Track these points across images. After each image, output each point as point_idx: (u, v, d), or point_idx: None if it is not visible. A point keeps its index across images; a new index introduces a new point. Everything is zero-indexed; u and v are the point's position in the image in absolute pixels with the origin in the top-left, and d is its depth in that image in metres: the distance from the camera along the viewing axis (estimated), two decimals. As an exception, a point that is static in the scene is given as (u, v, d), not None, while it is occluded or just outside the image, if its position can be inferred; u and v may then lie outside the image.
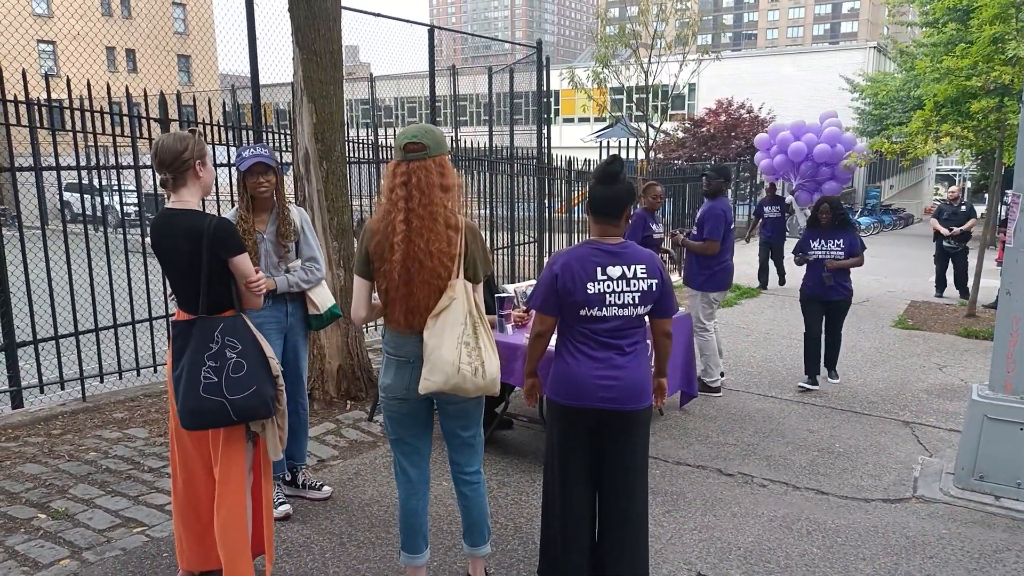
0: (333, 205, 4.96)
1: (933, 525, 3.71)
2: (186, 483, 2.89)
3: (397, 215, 2.59)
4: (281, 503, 3.59)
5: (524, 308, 4.58)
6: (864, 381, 6.24)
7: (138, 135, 5.54)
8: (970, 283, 9.42)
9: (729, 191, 6.19)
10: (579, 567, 2.84)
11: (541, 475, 3.08)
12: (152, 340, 5.75)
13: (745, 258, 11.27)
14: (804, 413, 5.41)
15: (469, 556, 2.99)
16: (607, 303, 2.71)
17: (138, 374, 5.73)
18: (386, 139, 7.83)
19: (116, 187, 6.60)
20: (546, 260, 9.51)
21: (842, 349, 6.19)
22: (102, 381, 5.52)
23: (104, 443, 4.48)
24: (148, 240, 2.82)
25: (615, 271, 2.72)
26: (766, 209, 11.15)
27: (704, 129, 26.37)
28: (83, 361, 5.26)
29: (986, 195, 11.14)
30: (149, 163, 2.91)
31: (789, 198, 11.10)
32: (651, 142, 22.88)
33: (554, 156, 10.23)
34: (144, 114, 5.61)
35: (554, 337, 2.88)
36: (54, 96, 5.10)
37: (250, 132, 6.38)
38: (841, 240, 5.79)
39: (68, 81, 5.17)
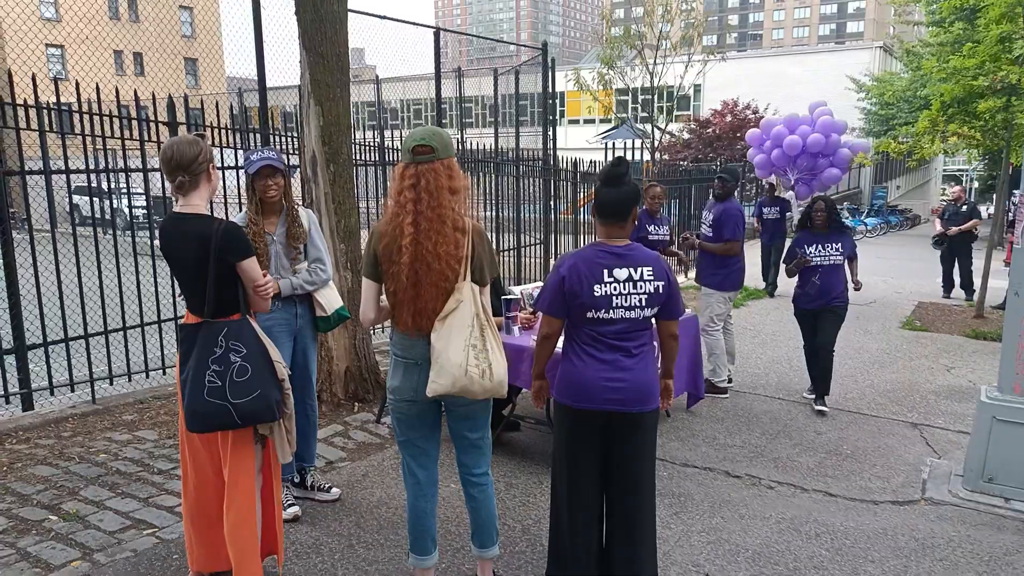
0: (340, 207, 4.98)
1: (942, 527, 3.70)
2: (196, 485, 2.91)
3: (405, 218, 2.60)
4: (290, 505, 3.60)
5: (531, 310, 4.59)
6: (872, 383, 6.23)
7: (147, 138, 5.57)
8: (976, 283, 9.40)
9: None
10: (587, 569, 2.84)
11: (549, 477, 3.09)
12: (161, 342, 5.78)
13: (750, 259, 11.22)
14: (811, 414, 5.39)
15: (477, 558, 3.00)
16: (614, 305, 2.71)
17: (147, 376, 5.76)
18: (392, 141, 7.85)
19: (125, 190, 6.62)
20: (552, 262, 9.55)
21: (850, 351, 6.13)
22: (111, 383, 5.55)
23: (114, 445, 4.51)
24: (157, 243, 2.84)
25: (622, 273, 2.72)
26: (765, 210, 10.81)
27: (710, 130, 26.36)
28: (92, 363, 5.29)
29: (993, 195, 11.08)
30: (158, 166, 2.93)
31: (788, 194, 10.97)
32: (656, 143, 22.90)
33: (560, 158, 10.23)
34: (152, 117, 5.64)
35: (561, 339, 2.89)
36: (63, 100, 5.13)
37: (257, 135, 6.41)
38: (840, 244, 5.34)
39: (77, 85, 5.21)
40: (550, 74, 9.62)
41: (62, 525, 3.51)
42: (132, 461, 4.27)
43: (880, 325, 8.55)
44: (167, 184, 2.85)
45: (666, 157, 24.77)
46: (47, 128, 5.06)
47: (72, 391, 5.36)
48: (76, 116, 5.23)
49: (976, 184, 35.55)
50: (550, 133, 9.95)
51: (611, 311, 2.72)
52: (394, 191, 2.66)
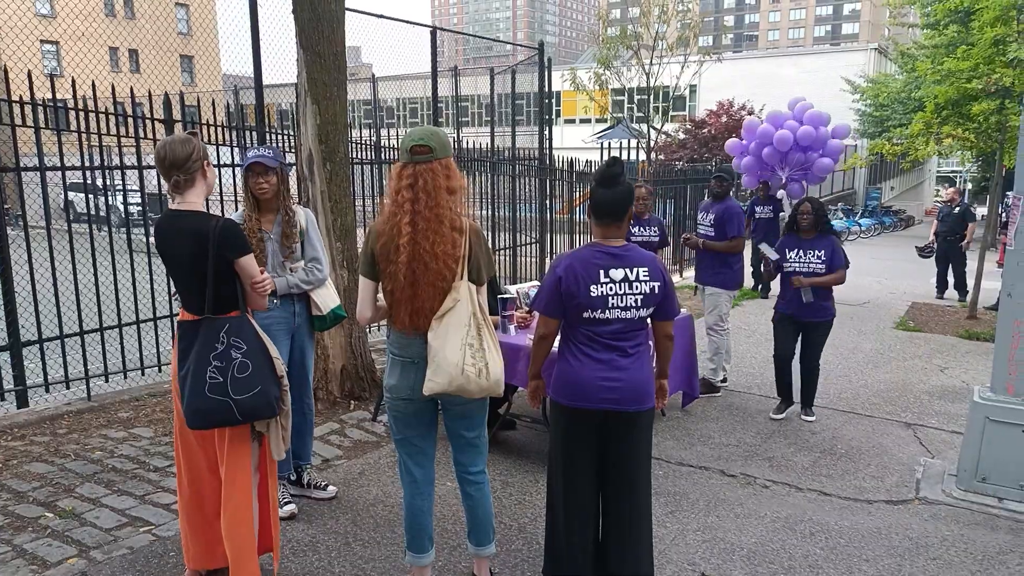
0: (337, 206, 4.98)
1: (936, 527, 3.72)
2: (191, 482, 2.91)
3: (403, 217, 2.60)
4: (287, 503, 3.61)
5: (527, 310, 4.60)
6: (866, 383, 6.26)
7: (142, 135, 5.56)
8: (969, 284, 9.45)
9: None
10: (583, 567, 2.85)
11: (545, 475, 3.10)
12: (156, 340, 5.77)
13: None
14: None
15: (474, 556, 3.01)
16: (610, 305, 2.73)
17: (143, 373, 5.75)
18: (388, 140, 7.85)
19: (120, 187, 6.61)
20: (548, 261, 9.55)
21: (844, 351, 6.14)
22: (107, 380, 5.54)
23: (110, 442, 4.50)
24: (152, 240, 2.84)
25: (617, 273, 2.74)
26: (757, 209, 10.51)
27: (705, 130, 26.40)
28: (88, 360, 5.28)
29: (987, 197, 11.15)
30: (152, 163, 2.93)
31: (781, 193, 10.92)
32: (652, 143, 22.96)
33: (555, 157, 10.24)
34: (148, 114, 5.63)
35: (557, 338, 2.90)
36: (58, 96, 5.11)
37: (253, 133, 6.40)
38: (822, 251, 4.97)
39: (73, 81, 5.19)
40: (546, 74, 9.63)
41: (58, 522, 3.51)
42: (128, 458, 4.26)
43: (874, 325, 8.59)
44: (163, 182, 2.85)
45: (662, 157, 24.82)
46: (42, 125, 5.04)
47: (67, 388, 5.35)
48: (72, 113, 5.22)
49: (970, 186, 35.70)
50: (546, 132, 9.95)
51: (607, 311, 2.73)
52: (392, 190, 2.66)
